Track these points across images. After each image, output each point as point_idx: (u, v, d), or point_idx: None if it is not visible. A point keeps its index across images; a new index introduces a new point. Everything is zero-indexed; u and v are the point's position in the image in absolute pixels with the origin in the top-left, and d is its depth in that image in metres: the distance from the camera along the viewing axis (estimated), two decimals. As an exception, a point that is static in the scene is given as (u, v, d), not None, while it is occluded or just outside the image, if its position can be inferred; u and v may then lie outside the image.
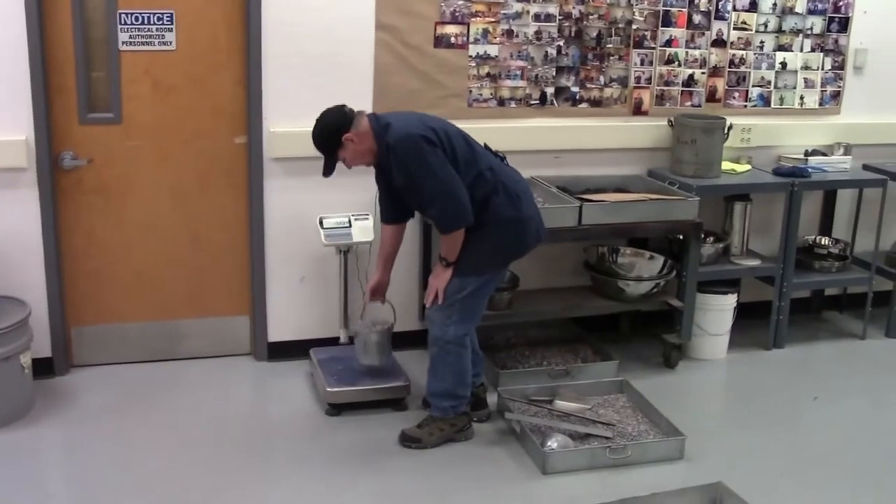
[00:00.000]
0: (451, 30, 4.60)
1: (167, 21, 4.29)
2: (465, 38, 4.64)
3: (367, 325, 4.28)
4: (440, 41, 4.60)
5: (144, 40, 4.29)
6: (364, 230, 4.50)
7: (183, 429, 4.05)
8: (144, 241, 4.51)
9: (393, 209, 4.03)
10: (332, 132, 3.73)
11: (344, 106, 3.79)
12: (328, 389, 4.18)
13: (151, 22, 4.28)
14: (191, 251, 4.60)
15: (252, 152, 4.49)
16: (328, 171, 3.81)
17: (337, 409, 4.21)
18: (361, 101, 4.52)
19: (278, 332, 4.74)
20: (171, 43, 4.32)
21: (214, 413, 4.20)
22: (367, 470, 3.79)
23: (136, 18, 4.25)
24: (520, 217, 3.85)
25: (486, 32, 4.67)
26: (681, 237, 4.78)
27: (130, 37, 4.26)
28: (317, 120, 3.80)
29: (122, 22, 4.24)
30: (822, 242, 5.57)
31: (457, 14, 4.60)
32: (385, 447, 3.95)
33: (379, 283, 4.18)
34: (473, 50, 4.66)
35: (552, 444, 3.90)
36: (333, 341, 4.64)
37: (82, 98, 4.28)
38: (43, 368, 4.36)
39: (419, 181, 3.68)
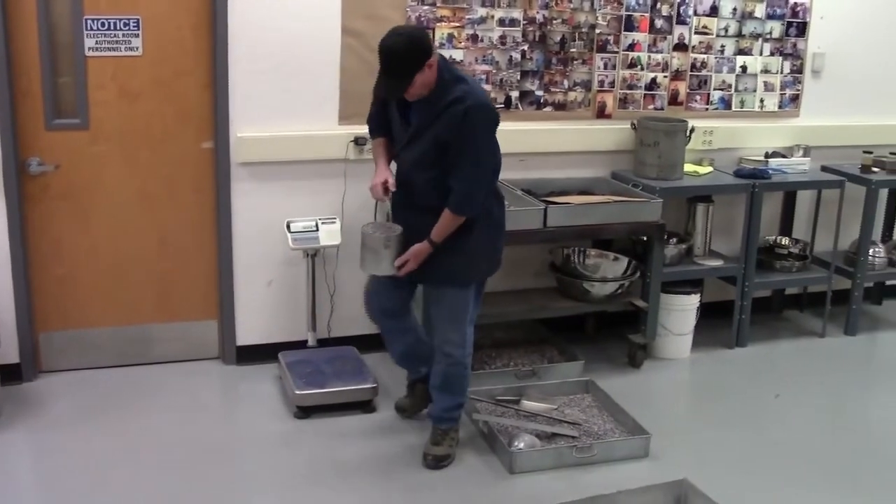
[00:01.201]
0: (416, 35, 4.65)
1: (133, 27, 4.29)
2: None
3: (374, 227, 3.83)
4: (406, 46, 4.64)
5: (111, 46, 4.28)
6: (331, 234, 4.52)
7: (152, 433, 4.05)
8: (112, 246, 4.51)
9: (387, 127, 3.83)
10: (422, 53, 3.47)
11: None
12: (296, 392, 4.19)
13: (118, 28, 4.27)
14: (158, 256, 4.60)
15: (219, 157, 4.50)
16: (399, 92, 3.54)
17: (305, 411, 4.22)
18: (328, 105, 4.58)
19: (246, 335, 4.75)
20: (137, 48, 4.32)
21: (183, 417, 4.20)
22: (336, 472, 3.80)
23: (103, 24, 4.24)
24: (504, 222, 3.88)
25: (451, 37, 4.71)
26: (644, 238, 4.83)
27: (97, 42, 4.26)
28: (398, 34, 3.53)
29: (88, 28, 4.23)
30: (783, 243, 5.65)
31: (422, 19, 4.63)
32: (353, 449, 3.96)
33: (386, 178, 3.77)
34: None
35: (519, 443, 3.93)
36: (301, 344, 4.66)
37: (48, 104, 4.27)
38: (11, 374, 4.35)
39: (472, 152, 3.56)
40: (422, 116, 3.61)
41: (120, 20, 4.27)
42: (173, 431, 4.08)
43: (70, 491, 3.60)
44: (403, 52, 3.46)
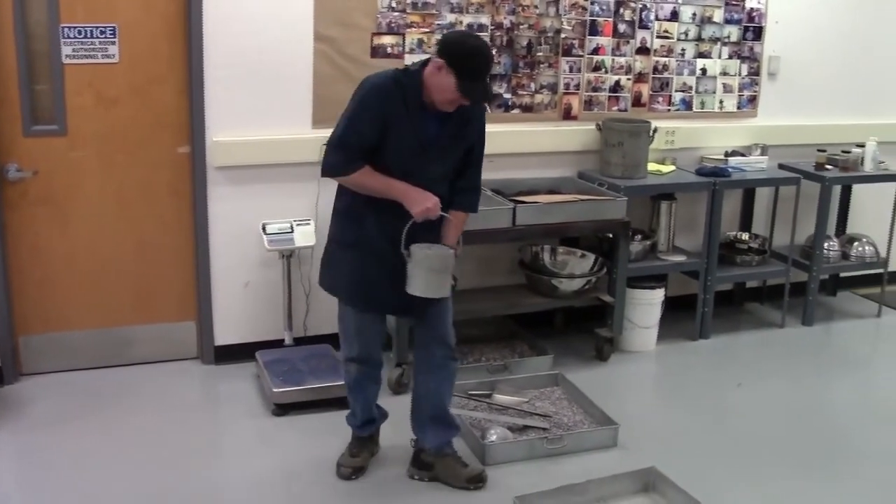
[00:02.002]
0: (387, 40, 4.73)
1: (110, 34, 4.34)
2: (401, 48, 4.76)
3: (429, 248, 3.48)
4: (377, 51, 4.72)
5: (88, 53, 4.33)
6: (306, 235, 4.59)
7: (132, 434, 4.06)
8: (90, 249, 4.55)
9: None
10: None
11: None
12: (274, 390, 4.24)
13: (94, 35, 4.32)
14: (136, 259, 4.65)
15: (195, 161, 4.56)
16: (491, 94, 3.59)
17: (283, 409, 4.26)
18: (302, 109, 4.64)
19: (224, 335, 4.80)
20: (114, 56, 4.37)
21: (163, 417, 4.23)
22: (315, 469, 3.84)
23: (79, 32, 4.29)
24: None
25: (421, 42, 4.79)
26: (610, 235, 4.91)
27: (74, 50, 4.30)
28: (475, 37, 3.45)
29: (65, 36, 4.27)
30: (743, 238, 5.76)
31: (392, 25, 4.72)
32: (331, 446, 3.97)
33: (434, 195, 3.45)
34: (409, 59, 4.74)
35: (492, 436, 4.00)
36: (278, 343, 4.73)
37: (26, 110, 4.30)
38: (-8, 377, 4.37)
39: (483, 149, 3.60)
40: (449, 126, 3.44)
41: (96, 28, 4.32)
42: (153, 431, 4.10)
43: (51, 492, 3.60)
44: (491, 53, 3.41)
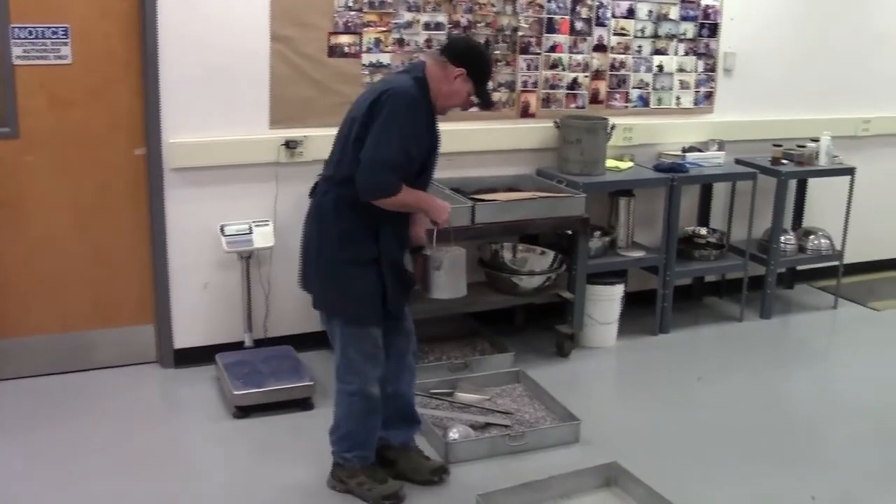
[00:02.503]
0: (344, 39, 4.72)
1: (62, 35, 4.29)
2: (358, 48, 4.75)
3: (439, 249, 3.61)
4: (334, 51, 4.71)
5: (39, 54, 4.28)
6: (265, 236, 4.58)
7: (92, 439, 4.03)
8: (47, 253, 4.50)
9: None
10: None
11: None
12: (234, 392, 4.21)
13: (46, 36, 4.27)
14: (93, 262, 4.61)
15: (152, 163, 4.52)
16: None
17: (244, 411, 4.24)
18: (259, 109, 4.62)
19: (184, 338, 4.76)
20: (66, 57, 4.32)
21: (123, 422, 4.20)
22: (277, 471, 3.83)
23: (30, 33, 4.24)
24: None
25: (378, 41, 4.79)
26: (570, 232, 4.94)
27: (25, 51, 4.25)
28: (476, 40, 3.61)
29: (16, 36, 4.22)
30: (701, 233, 5.82)
31: (349, 24, 4.71)
32: (293, 447, 3.99)
33: None
34: (367, 58, 4.77)
35: (454, 434, 4.00)
36: (238, 345, 4.71)
37: (-23, 113, 4.25)
38: (-53, 385, 4.31)
39: None
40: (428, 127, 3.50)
41: (48, 28, 4.27)
42: (113, 436, 4.07)
43: (11, 498, 3.57)
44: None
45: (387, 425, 3.76)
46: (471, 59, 3.40)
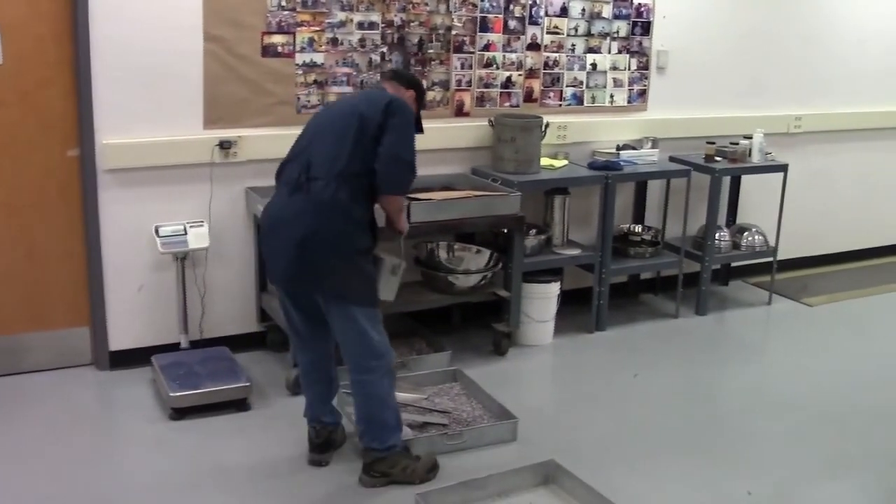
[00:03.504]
0: (277, 39, 4.71)
1: (-9, 37, 4.25)
2: (291, 47, 4.75)
3: (389, 259, 3.88)
4: (268, 50, 4.70)
5: (-33, 56, 4.23)
6: (200, 237, 4.57)
7: (25, 443, 3.99)
8: (-23, 257, 4.46)
9: None
10: None
11: None
12: (171, 394, 4.20)
13: (-27, 37, 4.22)
14: (27, 265, 4.56)
15: (85, 165, 4.49)
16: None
17: (180, 413, 4.22)
18: (193, 110, 4.60)
19: (119, 340, 4.73)
20: (-4, 58, 4.28)
21: (58, 426, 4.16)
22: (214, 472, 3.82)
23: (-42, 34, 4.19)
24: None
25: (311, 41, 4.79)
26: (505, 231, 4.96)
27: (-49, 52, 4.21)
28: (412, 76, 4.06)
29: (-57, 38, 4.17)
30: (636, 230, 5.87)
31: (283, 24, 4.71)
32: (230, 448, 3.99)
33: None
34: (300, 58, 4.77)
35: (391, 432, 4.02)
36: (175, 347, 4.68)
37: None
38: None
39: None
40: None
41: (-25, 29, 4.22)
42: (48, 440, 4.03)
43: (-58, 504, 3.54)
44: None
45: (332, 410, 3.92)
46: (417, 83, 3.91)
